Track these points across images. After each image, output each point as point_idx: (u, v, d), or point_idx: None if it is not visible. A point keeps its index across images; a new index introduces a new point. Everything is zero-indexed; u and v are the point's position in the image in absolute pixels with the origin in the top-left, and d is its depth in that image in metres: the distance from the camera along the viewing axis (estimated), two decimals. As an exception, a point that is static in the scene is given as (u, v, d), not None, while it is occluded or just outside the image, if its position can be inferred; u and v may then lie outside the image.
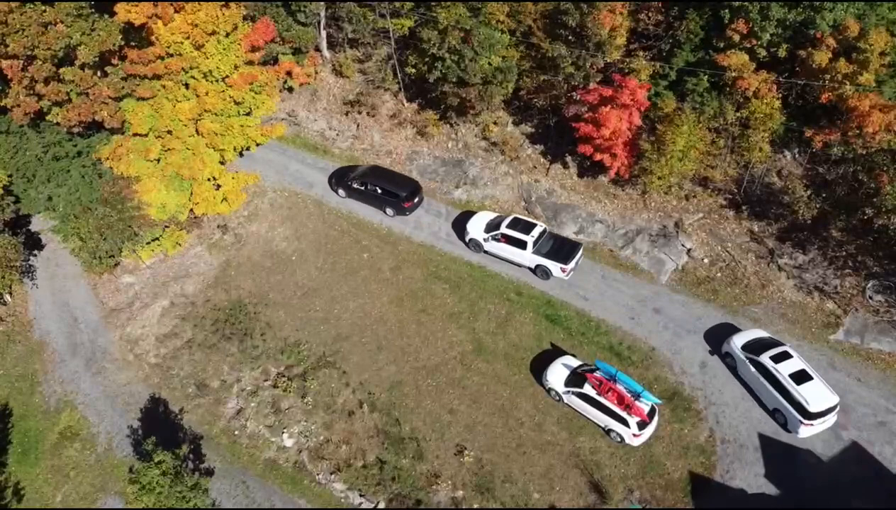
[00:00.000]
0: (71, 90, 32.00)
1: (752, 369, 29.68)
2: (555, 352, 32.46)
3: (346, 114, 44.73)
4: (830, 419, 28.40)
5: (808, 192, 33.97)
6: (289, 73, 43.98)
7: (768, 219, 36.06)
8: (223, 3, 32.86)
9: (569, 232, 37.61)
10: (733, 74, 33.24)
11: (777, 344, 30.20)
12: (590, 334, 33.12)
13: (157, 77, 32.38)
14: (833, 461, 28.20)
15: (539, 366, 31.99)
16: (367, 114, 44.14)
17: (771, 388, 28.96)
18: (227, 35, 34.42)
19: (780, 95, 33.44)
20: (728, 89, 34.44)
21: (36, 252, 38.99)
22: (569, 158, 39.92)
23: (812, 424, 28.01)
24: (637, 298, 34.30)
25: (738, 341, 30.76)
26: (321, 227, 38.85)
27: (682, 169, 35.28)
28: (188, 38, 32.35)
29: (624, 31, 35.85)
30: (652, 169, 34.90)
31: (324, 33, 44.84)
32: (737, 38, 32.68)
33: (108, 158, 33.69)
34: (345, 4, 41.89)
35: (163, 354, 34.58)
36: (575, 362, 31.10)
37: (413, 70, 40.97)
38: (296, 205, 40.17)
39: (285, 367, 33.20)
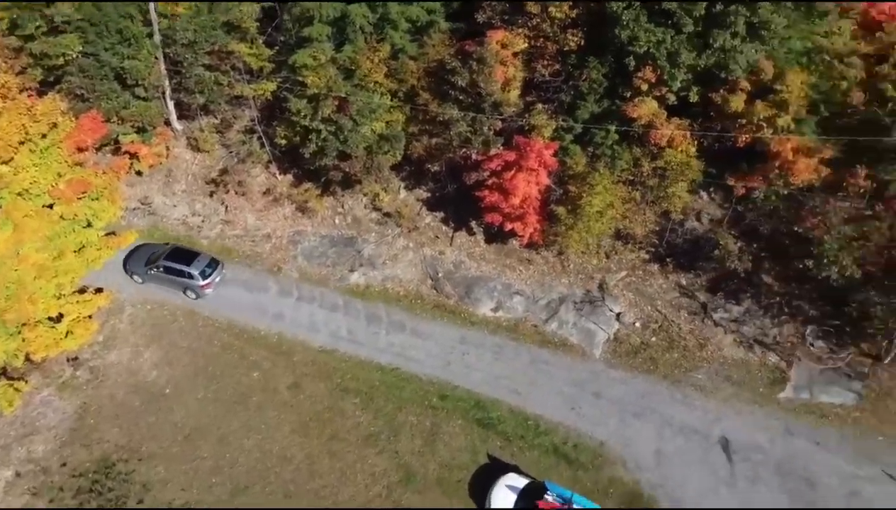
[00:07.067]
0: None
1: None
2: (494, 466, 28.11)
3: (211, 195, 38.41)
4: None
5: (739, 244, 31.37)
6: (134, 156, 37.29)
7: (696, 270, 33.37)
8: (28, 107, 26.00)
9: (485, 309, 33.46)
10: (644, 125, 30.12)
11: None
12: (529, 437, 29.01)
13: (-47, 207, 25.19)
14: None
15: (479, 486, 27.52)
16: (235, 192, 38.02)
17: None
18: (45, 136, 27.58)
19: (696, 141, 30.66)
20: (639, 139, 31.33)
21: None
22: (473, 224, 35.73)
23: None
24: (573, 382, 30.57)
25: None
26: (197, 345, 32.52)
27: (601, 229, 31.92)
28: (-11, 152, 25.38)
29: (518, 82, 32.00)
30: (569, 234, 31.38)
31: (171, 104, 38.18)
32: (645, 86, 29.45)
33: None
34: (191, 72, 35.58)
35: (12, 546, 27.45)
36: (521, 481, 26.77)
37: (284, 141, 35.36)
38: (162, 319, 33.55)
39: (174, 543, 27.00)
